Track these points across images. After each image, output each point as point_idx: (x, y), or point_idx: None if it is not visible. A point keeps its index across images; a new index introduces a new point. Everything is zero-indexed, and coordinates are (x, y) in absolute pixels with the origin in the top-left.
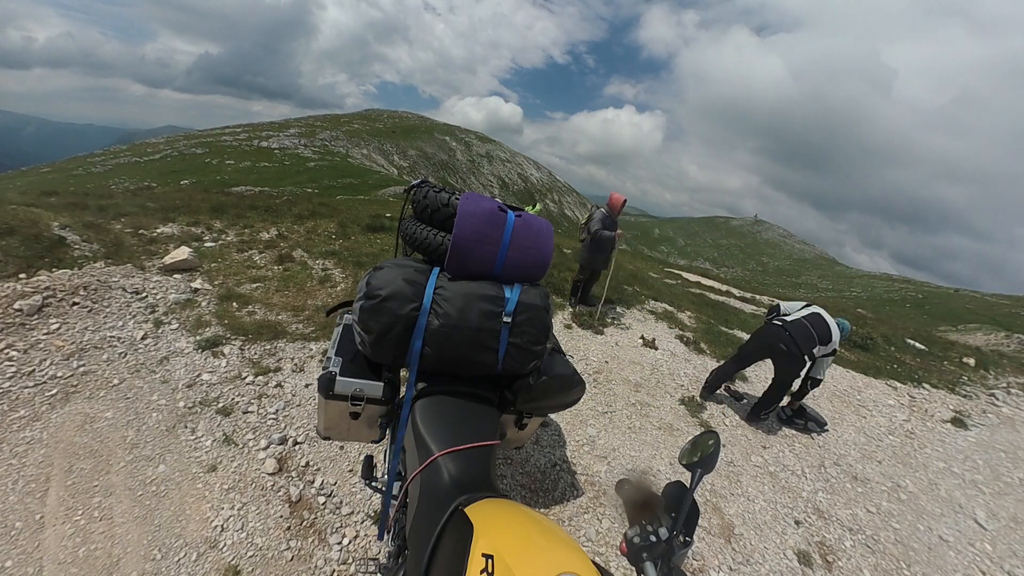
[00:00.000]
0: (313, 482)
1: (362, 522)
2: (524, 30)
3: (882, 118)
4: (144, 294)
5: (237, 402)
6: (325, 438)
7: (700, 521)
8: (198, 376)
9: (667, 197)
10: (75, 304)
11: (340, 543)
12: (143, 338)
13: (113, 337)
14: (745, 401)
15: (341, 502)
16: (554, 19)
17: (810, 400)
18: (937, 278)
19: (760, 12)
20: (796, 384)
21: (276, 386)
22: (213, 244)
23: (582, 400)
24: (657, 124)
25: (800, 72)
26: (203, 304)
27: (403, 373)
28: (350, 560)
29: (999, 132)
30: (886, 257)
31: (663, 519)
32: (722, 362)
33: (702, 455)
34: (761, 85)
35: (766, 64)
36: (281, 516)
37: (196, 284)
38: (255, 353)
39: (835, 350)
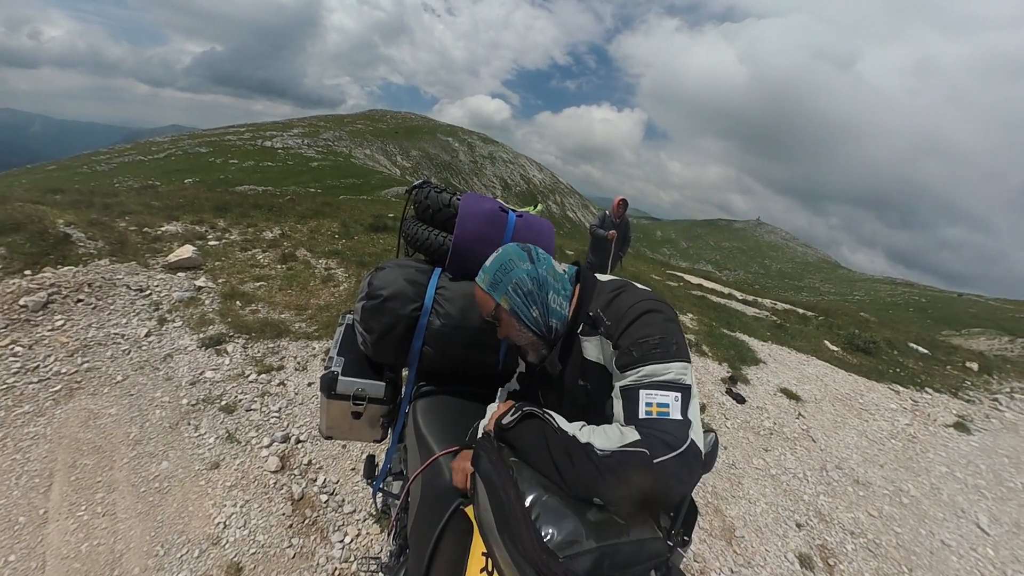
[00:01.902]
0: (315, 480)
1: (364, 520)
2: (523, 31)
3: (841, 97)
4: (148, 292)
5: (240, 400)
6: (327, 437)
7: (702, 523)
8: (201, 374)
9: (663, 196)
10: (80, 301)
11: (342, 541)
12: (147, 335)
13: (117, 334)
14: (747, 403)
15: (343, 500)
16: (551, 18)
17: (812, 404)
18: (932, 275)
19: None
20: None
21: (279, 384)
22: (217, 243)
23: None
24: (637, 120)
25: (749, 56)
26: (207, 302)
27: (405, 373)
28: (352, 559)
29: (971, 115)
30: (881, 255)
31: (662, 519)
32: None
33: None
34: (710, 71)
35: (714, 52)
36: (284, 514)
37: (200, 282)
38: (258, 351)
39: None
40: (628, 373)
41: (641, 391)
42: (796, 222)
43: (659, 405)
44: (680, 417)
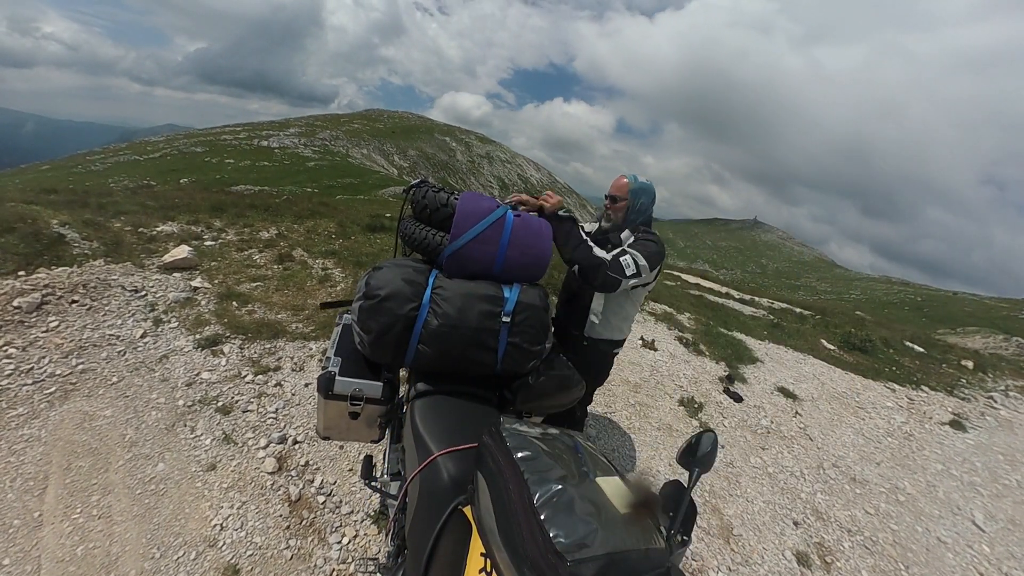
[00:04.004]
0: (313, 481)
1: (361, 521)
2: (516, 30)
3: (778, 72)
4: (143, 292)
5: (237, 401)
6: (324, 438)
7: (699, 522)
8: (197, 375)
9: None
10: (74, 302)
11: (340, 542)
12: (142, 336)
13: (112, 335)
14: (744, 401)
15: (341, 501)
16: (541, 15)
17: (809, 402)
18: (916, 267)
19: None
20: None
21: (276, 385)
22: (213, 243)
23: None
24: (608, 113)
25: (688, 39)
26: (202, 303)
27: (403, 373)
28: (349, 559)
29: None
30: (867, 249)
31: (661, 518)
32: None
33: (700, 455)
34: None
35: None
36: (281, 515)
37: (196, 283)
38: (255, 352)
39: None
40: (629, 247)
41: (625, 253)
42: (779, 216)
43: (624, 261)
44: (625, 268)
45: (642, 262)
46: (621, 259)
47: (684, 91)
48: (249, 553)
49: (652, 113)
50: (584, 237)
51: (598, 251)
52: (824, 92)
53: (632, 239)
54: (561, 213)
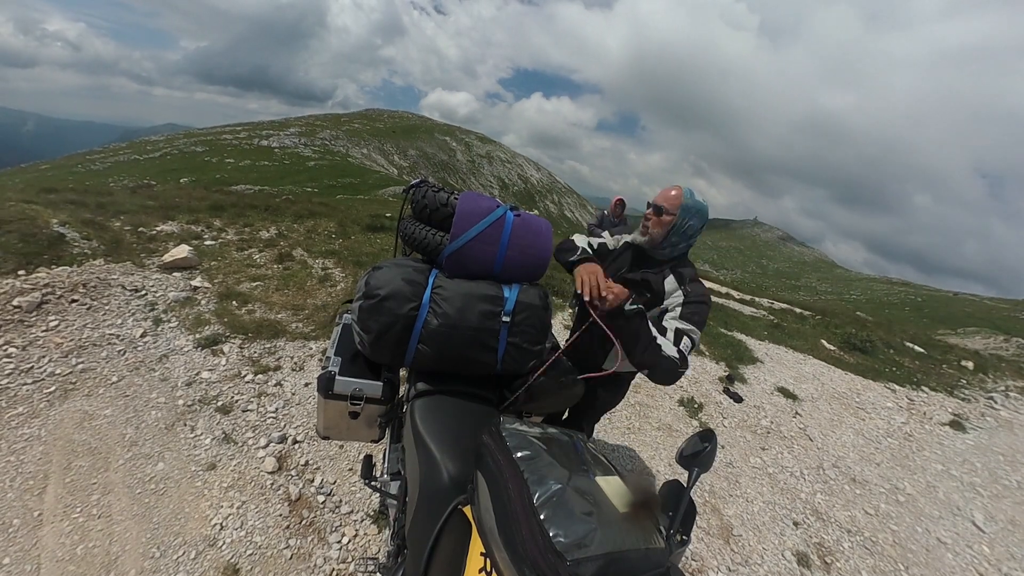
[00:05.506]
0: (313, 481)
1: (361, 521)
2: (514, 30)
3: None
4: (143, 292)
5: (236, 400)
6: (324, 438)
7: (699, 522)
8: (197, 374)
9: (647, 192)
10: (74, 301)
11: (339, 542)
12: (142, 336)
13: (112, 335)
14: (744, 402)
15: (341, 501)
16: (537, 14)
17: (809, 403)
18: (910, 263)
19: None
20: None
21: (276, 385)
22: (213, 242)
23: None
24: (587, 109)
25: (640, 26)
26: (202, 302)
27: (403, 372)
28: (349, 559)
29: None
30: (862, 246)
31: (660, 518)
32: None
33: (699, 454)
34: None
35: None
36: (280, 515)
37: (196, 282)
38: (255, 351)
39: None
40: (682, 321)
41: (683, 335)
42: (767, 210)
43: (684, 346)
44: (688, 354)
45: (697, 336)
46: (681, 345)
47: (644, 78)
48: (249, 552)
49: (621, 103)
50: (653, 334)
51: (666, 347)
52: (788, 77)
53: (679, 298)
54: (628, 307)
